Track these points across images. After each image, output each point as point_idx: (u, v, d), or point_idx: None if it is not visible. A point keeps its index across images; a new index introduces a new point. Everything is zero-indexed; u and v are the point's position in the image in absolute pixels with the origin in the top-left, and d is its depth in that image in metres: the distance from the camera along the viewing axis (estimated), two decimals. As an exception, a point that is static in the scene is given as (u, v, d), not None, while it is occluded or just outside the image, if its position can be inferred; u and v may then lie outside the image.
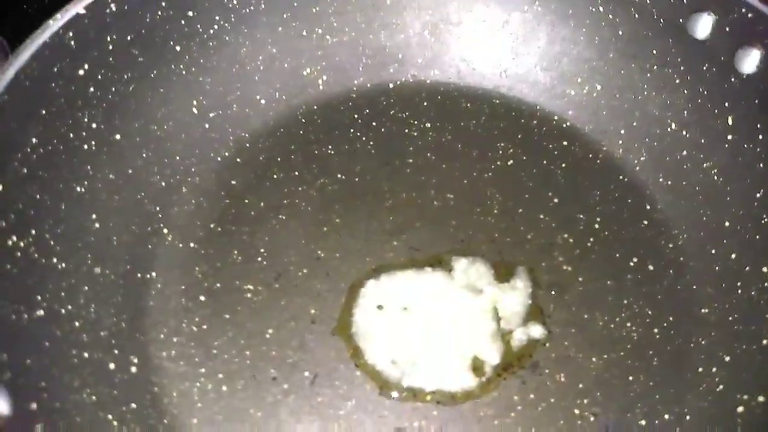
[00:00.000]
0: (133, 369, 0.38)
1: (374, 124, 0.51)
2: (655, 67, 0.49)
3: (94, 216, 0.40)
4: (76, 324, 0.37)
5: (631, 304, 0.44)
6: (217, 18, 0.47)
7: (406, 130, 0.51)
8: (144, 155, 0.44)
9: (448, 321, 0.42)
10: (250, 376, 0.40)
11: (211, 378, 0.39)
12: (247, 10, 0.48)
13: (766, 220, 0.43)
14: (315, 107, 0.51)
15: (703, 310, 0.43)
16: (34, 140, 0.36)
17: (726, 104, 0.45)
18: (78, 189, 0.40)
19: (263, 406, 0.39)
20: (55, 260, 0.37)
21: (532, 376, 0.41)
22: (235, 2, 0.47)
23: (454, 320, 0.42)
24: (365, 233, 0.46)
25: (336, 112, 0.51)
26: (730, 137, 0.46)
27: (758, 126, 0.44)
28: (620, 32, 0.49)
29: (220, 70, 0.48)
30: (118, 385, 0.37)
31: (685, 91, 0.48)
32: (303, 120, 0.50)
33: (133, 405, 0.37)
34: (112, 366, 0.37)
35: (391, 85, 0.52)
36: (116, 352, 0.38)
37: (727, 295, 0.43)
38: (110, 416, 0.35)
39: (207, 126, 0.48)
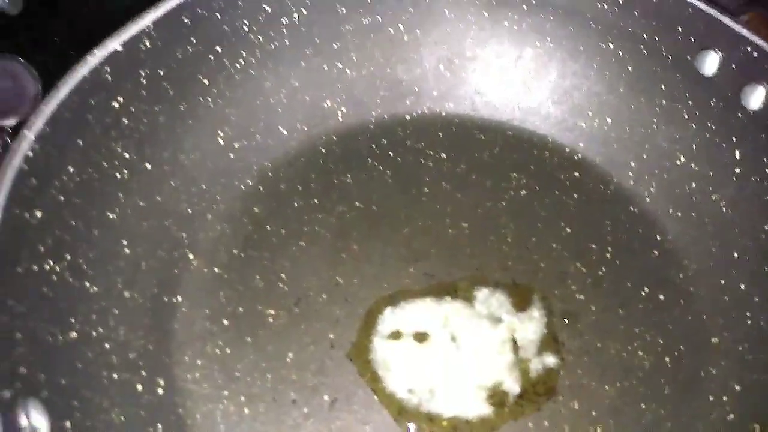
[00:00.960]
0: (159, 390, 0.39)
1: (391, 154, 0.52)
2: (664, 101, 0.50)
3: (124, 241, 0.42)
4: (107, 346, 0.38)
5: (642, 333, 0.45)
6: (243, 53, 0.49)
7: (422, 160, 0.52)
8: (172, 183, 0.46)
9: (466, 350, 0.43)
10: (271, 398, 0.41)
11: (233, 400, 0.40)
12: (272, 46, 0.50)
13: (773, 251, 0.44)
14: (334, 138, 0.53)
15: (713, 340, 0.44)
16: (71, 169, 0.38)
17: (733, 138, 0.47)
18: (110, 216, 0.41)
19: (284, 428, 0.40)
20: (87, 284, 0.39)
21: (547, 403, 0.42)
22: (260, 38, 0.49)
23: (473, 349, 0.43)
24: (382, 260, 0.47)
25: (355, 143, 0.53)
26: (737, 170, 0.47)
27: (765, 160, 0.45)
28: (629, 68, 0.51)
29: (244, 102, 0.50)
30: (145, 405, 0.38)
31: (694, 126, 0.49)
32: (323, 150, 0.52)
33: (159, 426, 0.38)
34: (139, 387, 0.39)
35: (407, 117, 0.54)
36: (143, 373, 0.39)
37: (737, 325, 0.44)
38: (138, 436, 0.37)
39: (231, 156, 0.49)
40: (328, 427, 0.40)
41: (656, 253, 0.48)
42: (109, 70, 0.40)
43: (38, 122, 0.36)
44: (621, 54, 0.51)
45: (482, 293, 0.45)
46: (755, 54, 0.44)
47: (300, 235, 0.48)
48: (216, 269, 0.46)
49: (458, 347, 0.43)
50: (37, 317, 0.34)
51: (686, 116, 0.49)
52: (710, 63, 0.46)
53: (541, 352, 0.43)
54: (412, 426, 0.41)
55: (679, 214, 0.49)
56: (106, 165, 0.41)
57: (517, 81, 0.54)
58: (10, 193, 0.33)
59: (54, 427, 0.31)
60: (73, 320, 0.37)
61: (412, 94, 0.54)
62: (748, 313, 0.44)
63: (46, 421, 0.30)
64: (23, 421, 0.29)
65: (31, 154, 0.35)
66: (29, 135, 0.35)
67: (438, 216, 0.49)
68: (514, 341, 0.43)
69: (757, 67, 0.44)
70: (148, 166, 0.44)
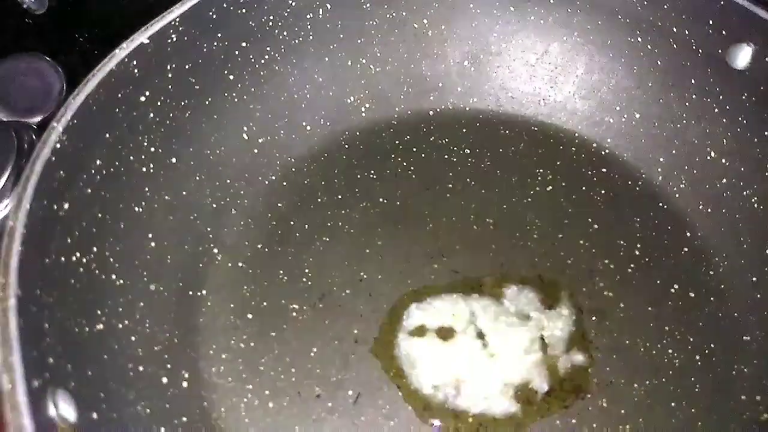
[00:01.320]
0: (184, 384, 0.39)
1: (415, 150, 0.52)
2: (694, 96, 0.49)
3: (150, 235, 0.42)
4: (133, 338, 0.38)
5: (672, 330, 0.44)
6: (268, 48, 0.49)
7: (446, 157, 0.52)
8: (197, 178, 0.46)
9: (493, 346, 0.42)
10: (295, 393, 0.41)
11: (257, 394, 0.40)
12: (296, 41, 0.50)
13: (809, 248, 0.43)
14: (358, 133, 0.53)
15: (745, 338, 0.43)
16: (98, 162, 0.38)
17: (766, 133, 0.46)
18: (136, 209, 0.42)
19: (308, 423, 0.40)
20: (113, 277, 0.39)
21: (575, 401, 0.41)
22: (285, 34, 0.49)
23: (500, 346, 0.42)
24: (406, 256, 0.47)
25: (378, 138, 0.53)
26: (770, 165, 0.46)
27: (799, 155, 0.44)
28: (659, 62, 0.50)
29: (269, 97, 0.50)
30: (170, 398, 0.38)
31: (725, 120, 0.48)
32: (346, 146, 0.52)
33: (184, 419, 0.38)
34: (164, 380, 0.39)
35: (431, 113, 0.54)
36: (169, 366, 0.39)
37: (769, 323, 0.43)
38: (163, 429, 0.36)
39: (256, 151, 0.50)
40: (353, 422, 0.40)
41: (686, 250, 0.47)
42: (136, 63, 0.40)
43: (67, 115, 0.36)
44: (650, 48, 0.50)
45: (509, 290, 0.45)
46: (790, 46, 0.43)
47: (324, 230, 0.48)
48: (240, 264, 0.46)
49: (485, 344, 0.42)
50: (65, 309, 0.34)
51: (717, 111, 0.48)
52: (743, 56, 0.45)
53: (570, 349, 0.43)
54: (437, 422, 0.40)
55: (710, 210, 0.48)
56: (132, 159, 0.41)
57: (543, 76, 0.54)
58: (38, 184, 0.33)
59: (81, 417, 0.31)
60: (99, 312, 0.37)
61: (436, 89, 0.54)
62: (781, 312, 0.43)
63: (74, 411, 0.30)
64: (51, 410, 0.29)
65: (59, 146, 0.35)
66: (58, 127, 0.35)
67: (463, 212, 0.49)
68: (542, 339, 0.43)
69: (791, 60, 0.43)
70: (173, 160, 0.45)
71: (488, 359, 0.42)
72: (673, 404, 0.41)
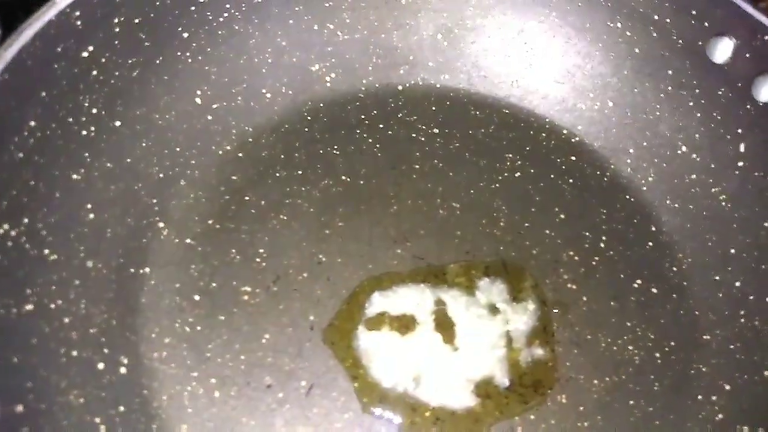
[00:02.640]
0: (123, 370, 0.36)
1: (381, 126, 0.49)
2: (670, 87, 0.48)
3: (89, 206, 0.38)
4: (66, 320, 0.35)
5: (634, 326, 0.43)
6: (228, 6, 0.45)
7: (414, 135, 0.49)
8: (144, 145, 0.42)
9: (456, 338, 0.41)
10: (245, 382, 0.38)
11: (203, 382, 0.38)
12: (259, 0, 0.46)
13: (774, 250, 0.43)
14: (321, 105, 0.50)
15: (704, 337, 0.43)
16: (32, 123, 0.34)
17: (739, 131, 0.45)
18: (74, 177, 0.38)
19: (257, 414, 0.37)
20: (46, 251, 0.35)
21: (534, 396, 0.40)
22: (247, -9, 0.45)
23: (463, 338, 0.41)
24: (368, 239, 0.44)
25: (343, 111, 0.50)
26: (741, 164, 0.45)
27: (770, 155, 0.44)
28: (637, 50, 0.49)
29: (227, 60, 0.46)
30: (106, 386, 0.35)
31: (699, 115, 0.47)
32: (308, 117, 0.49)
33: (122, 408, 0.35)
34: (101, 366, 0.36)
35: (400, 87, 0.51)
36: (106, 351, 0.36)
37: (729, 323, 0.43)
38: (98, 419, 0.34)
39: (210, 117, 0.46)
40: (305, 414, 0.38)
41: (651, 244, 0.46)
42: (79, 14, 0.36)
43: (-4, 68, 0.32)
44: (629, 35, 0.48)
45: (473, 280, 0.43)
46: (772, 43, 0.42)
47: (281, 207, 0.45)
48: (188, 240, 0.42)
49: (447, 335, 0.41)
50: (-10, 287, 0.31)
51: (692, 104, 0.47)
52: (723, 50, 0.44)
53: (531, 343, 0.41)
54: (393, 415, 0.38)
55: (677, 205, 0.47)
56: (71, 120, 0.37)
57: (517, 56, 0.51)
58: (-40, 146, 0.29)
59: (4, 412, 0.27)
60: (29, 291, 0.33)
61: (406, 63, 0.51)
62: (741, 312, 0.43)
63: (-7, 407, 0.27)
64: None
65: (-14, 103, 0.31)
66: (-16, 82, 0.31)
67: (428, 195, 0.47)
68: (506, 332, 0.41)
69: (772, 58, 0.42)
70: (117, 124, 0.41)
71: (449, 351, 0.40)
72: (631, 402, 0.40)
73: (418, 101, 0.51)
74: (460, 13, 0.51)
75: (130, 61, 0.41)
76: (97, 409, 0.34)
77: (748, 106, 0.44)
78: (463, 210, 0.46)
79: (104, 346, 0.36)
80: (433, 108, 0.51)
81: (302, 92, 0.49)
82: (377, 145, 0.48)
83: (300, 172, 0.46)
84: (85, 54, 0.37)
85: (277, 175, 0.46)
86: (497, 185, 0.48)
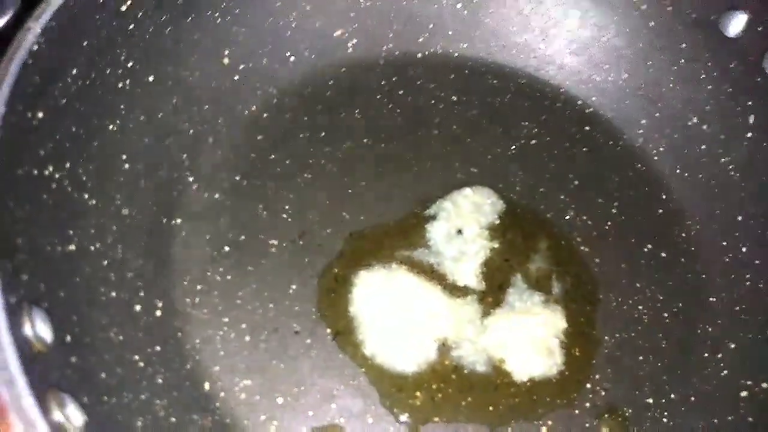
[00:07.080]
0: (158, 313, 0.38)
1: (401, 92, 0.51)
2: (683, 60, 0.50)
3: (123, 156, 0.40)
4: (104, 263, 0.36)
5: (643, 288, 0.45)
6: (256, -33, 0.46)
7: (432, 102, 0.51)
8: (174, 101, 0.43)
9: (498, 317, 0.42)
10: (273, 328, 0.40)
11: (233, 327, 0.39)
12: (286, -37, 0.47)
13: (779, 216, 0.44)
14: (342, 70, 0.51)
15: (711, 299, 0.45)
16: (74, 71, 0.35)
17: (749, 103, 0.47)
18: (110, 127, 0.39)
19: (285, 358, 0.39)
20: (86, 196, 0.36)
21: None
22: (275, -46, 0.46)
23: (509, 326, 0.42)
24: (388, 199, 0.46)
25: (364, 77, 0.51)
26: (749, 135, 0.47)
27: (779, 126, 0.45)
28: (651, 23, 0.50)
29: (253, 21, 0.47)
30: (143, 327, 0.37)
31: (710, 87, 0.49)
32: (330, 81, 0.50)
33: (158, 348, 0.36)
34: (137, 308, 0.37)
35: (419, 55, 0.52)
36: (142, 294, 0.37)
37: (734, 286, 0.45)
38: (136, 357, 0.35)
39: (236, 78, 0.47)
40: (332, 359, 0.39)
41: (661, 211, 0.48)
42: (119, -33, 0.37)
43: (45, 15, 0.32)
44: (645, 8, 0.50)
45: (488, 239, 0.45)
46: (784, 17, 0.43)
47: (305, 167, 0.46)
48: (217, 195, 0.44)
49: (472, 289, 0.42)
50: (37, 225, 0.32)
51: (704, 76, 0.49)
52: (736, 24, 0.46)
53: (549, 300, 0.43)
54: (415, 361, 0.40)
55: (687, 174, 0.49)
56: (109, 72, 0.38)
57: (535, 27, 0.53)
58: (13, 88, 0.30)
59: (56, 338, 0.29)
60: (71, 232, 0.34)
61: (426, 31, 0.52)
62: (747, 276, 0.45)
63: (50, 332, 0.28)
64: (28, 329, 0.27)
65: (36, 48, 0.32)
66: (35, 28, 0.32)
67: (446, 159, 0.48)
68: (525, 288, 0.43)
69: (784, 32, 0.43)
70: (150, 79, 0.42)
71: (481, 324, 0.42)
72: (640, 357, 0.42)
73: (437, 69, 0.52)
74: (481, -17, 0.52)
75: (163, 18, 0.41)
76: (135, 347, 0.35)
77: (759, 79, 0.46)
78: (480, 175, 0.48)
79: (140, 289, 0.38)
80: (452, 76, 0.52)
81: (324, 57, 0.50)
82: (397, 110, 0.50)
83: (323, 134, 0.48)
84: (123, 8, 0.38)
85: (301, 136, 0.47)
86: (513, 152, 0.49)
